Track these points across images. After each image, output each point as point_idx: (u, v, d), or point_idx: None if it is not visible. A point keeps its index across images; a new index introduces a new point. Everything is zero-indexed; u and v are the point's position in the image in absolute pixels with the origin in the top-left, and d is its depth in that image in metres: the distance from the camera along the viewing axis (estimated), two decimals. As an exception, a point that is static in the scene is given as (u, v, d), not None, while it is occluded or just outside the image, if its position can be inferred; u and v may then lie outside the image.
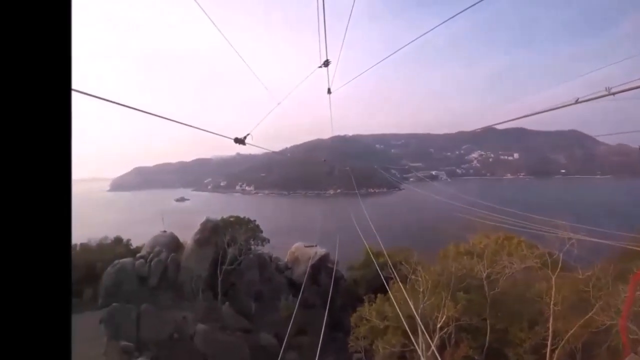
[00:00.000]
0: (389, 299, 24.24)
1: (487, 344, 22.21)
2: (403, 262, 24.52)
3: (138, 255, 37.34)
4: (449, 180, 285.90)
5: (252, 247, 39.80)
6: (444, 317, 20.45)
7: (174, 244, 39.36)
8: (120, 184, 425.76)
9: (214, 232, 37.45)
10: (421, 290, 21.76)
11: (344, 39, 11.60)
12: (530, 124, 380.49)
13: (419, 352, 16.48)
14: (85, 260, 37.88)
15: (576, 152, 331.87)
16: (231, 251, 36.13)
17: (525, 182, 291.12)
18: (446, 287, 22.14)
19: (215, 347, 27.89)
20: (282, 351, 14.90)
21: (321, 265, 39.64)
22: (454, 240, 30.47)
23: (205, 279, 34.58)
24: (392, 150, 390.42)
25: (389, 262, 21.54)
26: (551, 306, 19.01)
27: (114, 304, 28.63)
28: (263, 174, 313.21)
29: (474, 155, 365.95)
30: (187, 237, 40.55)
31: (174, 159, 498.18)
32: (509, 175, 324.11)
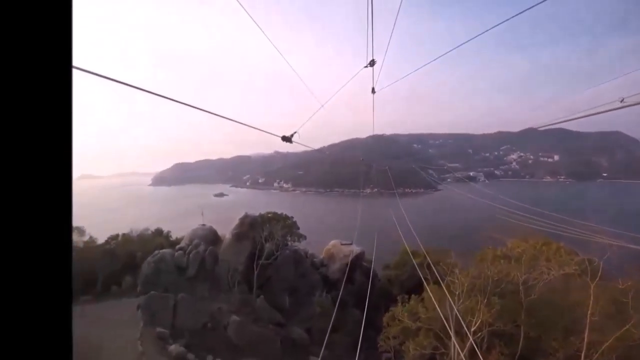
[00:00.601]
0: (422, 299, 24.03)
1: (519, 352, 21.61)
2: (440, 264, 24.18)
3: (177, 246, 38.32)
4: (486, 181, 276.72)
5: (289, 242, 40.06)
6: (479, 321, 20.08)
7: (212, 237, 40.22)
8: (161, 179, 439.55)
9: (252, 227, 37.95)
10: (457, 292, 21.45)
11: (389, 40, 11.55)
12: (571, 124, 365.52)
13: (451, 355, 16.30)
14: (126, 249, 39.56)
15: (619, 155, 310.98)
16: (268, 246, 36.50)
17: (565, 185, 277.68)
18: (482, 291, 21.69)
19: (247, 338, 28.26)
20: (323, 347, 14.99)
21: (356, 264, 39.58)
22: (491, 242, 29.77)
23: (242, 272, 35.10)
24: (430, 150, 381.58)
25: (426, 262, 21.31)
26: (588, 316, 18.15)
27: (152, 292, 29.62)
28: (300, 172, 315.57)
29: (513, 156, 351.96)
30: (225, 231, 41.25)
31: (214, 156, 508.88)
32: (548, 178, 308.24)
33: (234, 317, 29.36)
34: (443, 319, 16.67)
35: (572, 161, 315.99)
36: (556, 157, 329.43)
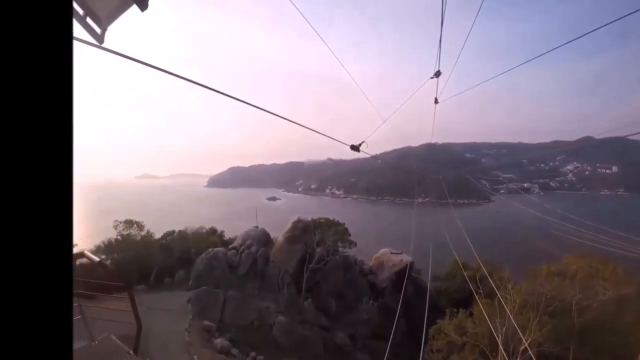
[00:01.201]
0: (471, 314, 23.50)
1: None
2: (494, 277, 23.55)
3: (230, 246, 39.53)
4: (541, 193, 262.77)
5: (340, 248, 40.18)
6: (528, 340, 19.33)
7: (264, 239, 41.02)
8: (216, 181, 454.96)
9: (305, 231, 38.36)
10: (508, 309, 20.77)
11: (460, 53, 11.54)
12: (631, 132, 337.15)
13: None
14: (181, 245, 41.39)
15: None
16: (319, 251, 36.72)
17: (624, 199, 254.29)
18: (533, 309, 20.91)
19: (292, 338, 28.51)
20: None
21: (406, 273, 39.16)
22: (545, 258, 28.55)
23: (292, 274, 35.46)
24: (483, 160, 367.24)
25: (479, 275, 20.82)
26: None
27: (203, 287, 30.69)
28: (353, 179, 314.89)
29: (569, 167, 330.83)
30: (276, 233, 42.03)
31: (268, 161, 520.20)
32: (606, 191, 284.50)
33: (281, 317, 29.80)
34: (493, 335, 16.26)
35: (631, 173, 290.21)
36: (614, 169, 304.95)
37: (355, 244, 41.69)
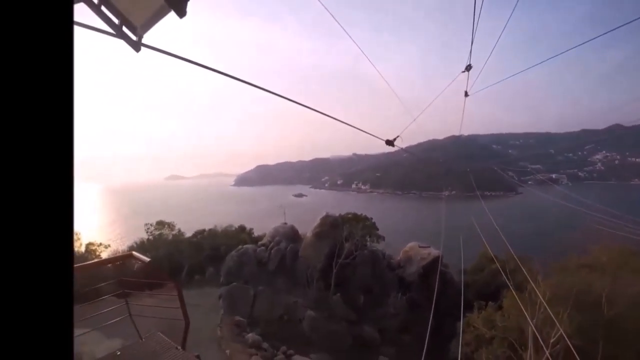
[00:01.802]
0: (500, 307, 23.46)
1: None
2: (524, 270, 23.32)
3: (259, 243, 40.10)
4: (570, 184, 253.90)
5: (368, 243, 40.05)
6: (558, 333, 19.17)
7: (293, 235, 41.34)
8: (243, 179, 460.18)
9: (333, 227, 38.49)
10: (538, 302, 20.64)
11: (494, 47, 11.53)
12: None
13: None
14: (211, 243, 42.62)
15: None
16: (348, 246, 36.88)
17: None
18: (563, 302, 20.68)
19: (320, 333, 29.12)
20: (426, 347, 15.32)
21: (433, 267, 39.00)
22: (575, 250, 28.04)
23: (320, 269, 35.72)
24: (510, 151, 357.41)
25: (509, 268, 20.70)
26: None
27: (233, 283, 31.62)
28: (378, 174, 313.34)
29: (598, 156, 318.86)
30: (304, 229, 42.38)
31: (294, 158, 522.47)
32: (636, 181, 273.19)
33: (310, 312, 30.35)
34: (521, 328, 16.33)
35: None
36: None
37: (384, 238, 41.53)
